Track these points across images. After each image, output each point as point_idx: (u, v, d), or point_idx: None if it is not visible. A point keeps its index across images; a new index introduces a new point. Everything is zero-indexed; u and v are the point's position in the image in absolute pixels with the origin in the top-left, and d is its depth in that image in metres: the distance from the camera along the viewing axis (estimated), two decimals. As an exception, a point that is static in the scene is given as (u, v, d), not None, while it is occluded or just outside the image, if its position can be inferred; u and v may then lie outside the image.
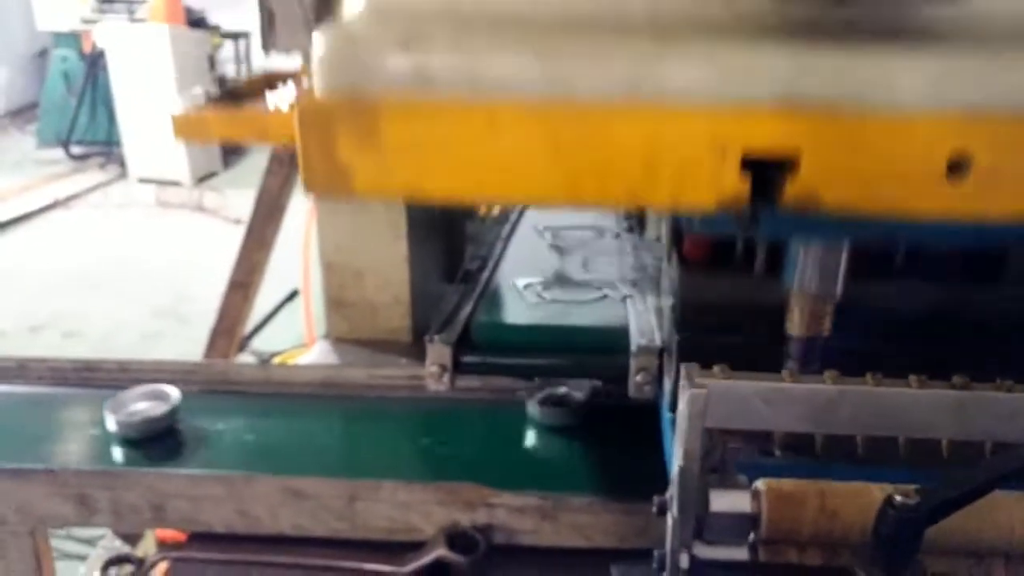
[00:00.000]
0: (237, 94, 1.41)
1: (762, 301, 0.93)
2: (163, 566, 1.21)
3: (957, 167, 0.67)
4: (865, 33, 0.69)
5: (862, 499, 0.71)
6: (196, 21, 9.10)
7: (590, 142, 0.70)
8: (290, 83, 1.43)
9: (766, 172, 0.69)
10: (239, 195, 6.92)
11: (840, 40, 0.69)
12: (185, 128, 1.18)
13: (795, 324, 0.88)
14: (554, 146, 0.70)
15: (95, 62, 8.31)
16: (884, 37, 0.69)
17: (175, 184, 7.88)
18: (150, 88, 7.76)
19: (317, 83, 0.72)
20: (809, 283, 0.86)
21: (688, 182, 0.70)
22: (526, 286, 1.46)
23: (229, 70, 11.46)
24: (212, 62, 8.74)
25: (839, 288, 0.87)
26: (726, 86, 0.68)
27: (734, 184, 0.69)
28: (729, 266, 0.99)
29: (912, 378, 0.73)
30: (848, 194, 0.69)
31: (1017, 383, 0.73)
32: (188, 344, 4.32)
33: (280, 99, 1.43)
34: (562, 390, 1.38)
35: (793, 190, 0.68)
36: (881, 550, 0.63)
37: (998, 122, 0.67)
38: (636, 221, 2.10)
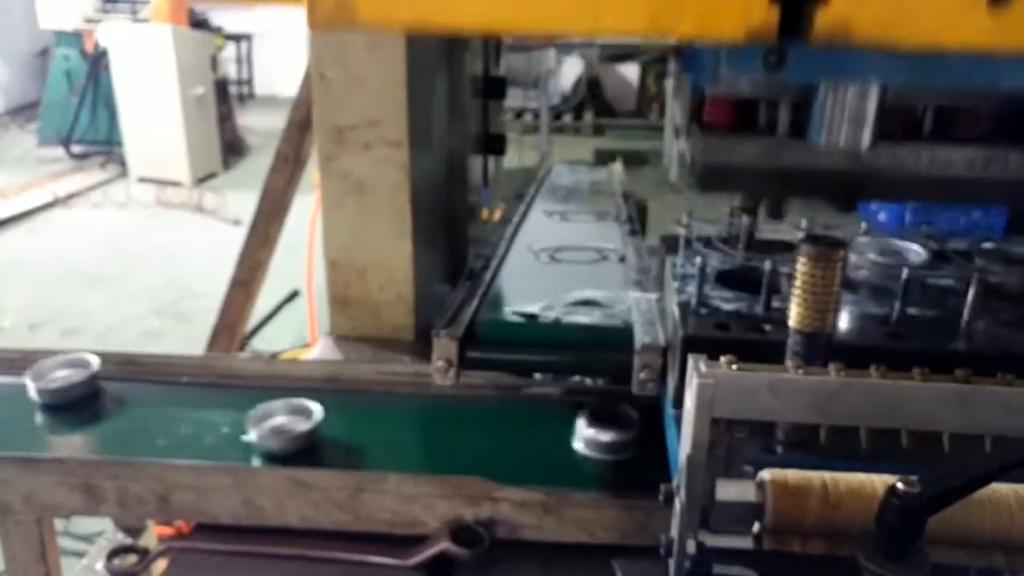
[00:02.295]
0: None
1: (786, 164, 0.90)
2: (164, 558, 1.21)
3: None
4: None
5: (865, 490, 0.73)
6: (199, 22, 9.13)
7: None
8: None
9: (795, 6, 0.67)
10: (239, 196, 6.94)
11: None
12: None
13: (796, 317, 0.89)
14: None
15: (97, 61, 8.33)
16: None
17: (175, 184, 7.89)
18: (152, 88, 7.78)
19: None
20: (836, 134, 0.83)
21: (715, 10, 0.67)
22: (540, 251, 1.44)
23: (231, 71, 11.51)
24: (214, 63, 8.76)
25: (867, 140, 0.83)
26: None
27: (763, 13, 0.66)
28: (751, 130, 0.94)
29: (916, 371, 0.75)
30: (881, 25, 0.66)
31: (1019, 377, 0.74)
32: (188, 342, 4.33)
33: None
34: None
35: (824, 21, 0.66)
36: (884, 538, 0.64)
37: None
38: (639, 224, 2.13)
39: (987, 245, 1.29)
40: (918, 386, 0.73)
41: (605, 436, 1.26)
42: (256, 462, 1.24)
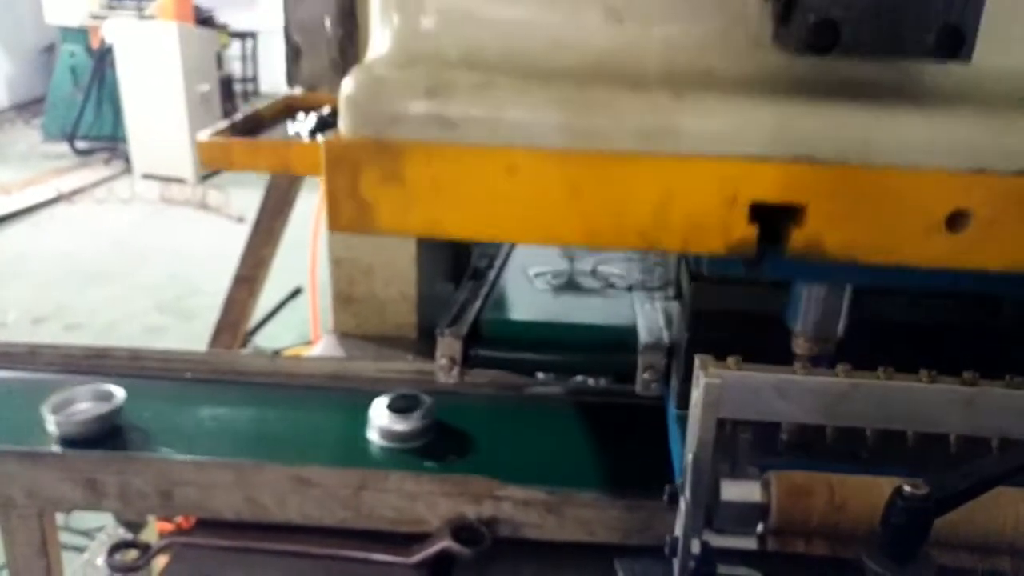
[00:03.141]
0: (258, 121, 1.43)
1: (772, 311, 0.95)
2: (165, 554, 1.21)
3: (956, 221, 0.71)
4: (872, 92, 0.73)
5: (871, 492, 0.72)
6: (204, 19, 9.14)
7: (606, 189, 0.74)
8: (311, 114, 1.45)
9: (774, 219, 0.73)
10: (242, 194, 6.93)
11: (848, 98, 0.72)
12: (210, 156, 1.20)
13: (800, 347, 0.90)
14: (571, 192, 0.74)
15: (103, 58, 8.34)
16: (890, 96, 0.73)
17: (179, 181, 7.90)
18: (157, 85, 7.79)
19: (343, 124, 0.76)
20: (810, 324, 0.89)
21: (699, 229, 0.74)
22: (537, 275, 1.48)
23: (236, 69, 11.52)
24: (220, 60, 8.78)
25: (840, 330, 0.89)
26: (737, 139, 0.72)
27: (742, 231, 0.73)
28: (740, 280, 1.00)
29: (923, 372, 0.74)
30: (851, 243, 0.72)
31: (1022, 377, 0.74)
32: (190, 339, 4.33)
33: (301, 128, 1.45)
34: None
35: (799, 237, 0.72)
36: (890, 540, 0.64)
37: (997, 180, 0.71)
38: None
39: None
40: (924, 387, 0.73)
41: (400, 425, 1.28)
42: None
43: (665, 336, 1.22)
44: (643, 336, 1.23)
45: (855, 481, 0.74)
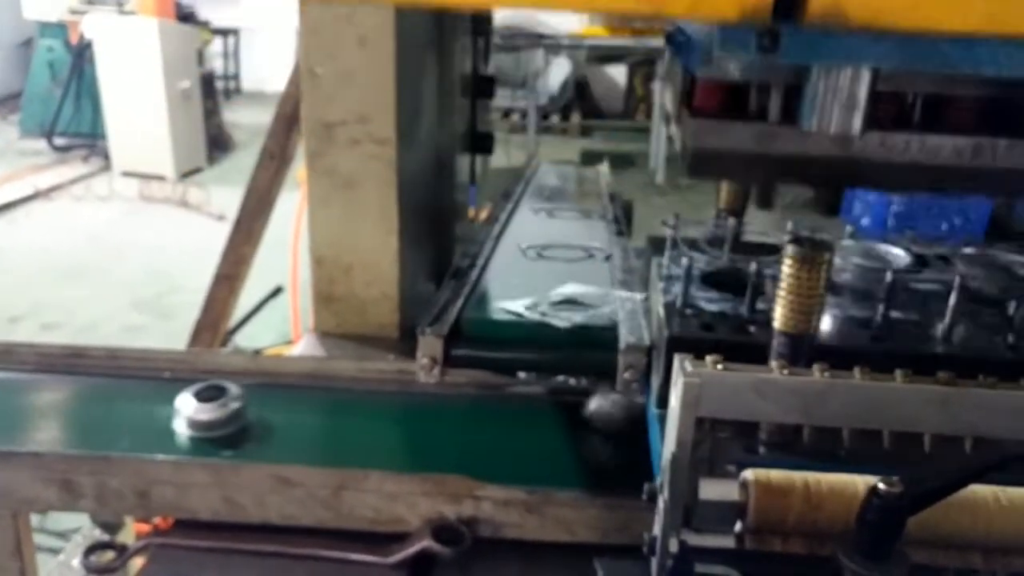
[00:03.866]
0: None
1: (776, 150, 0.90)
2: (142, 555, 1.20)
3: None
4: None
5: (847, 491, 0.73)
6: (185, 16, 9.07)
7: None
8: None
9: None
10: (223, 192, 6.89)
11: None
12: None
13: (781, 318, 0.90)
14: None
15: (81, 53, 8.25)
16: None
17: (159, 178, 7.84)
18: (137, 81, 7.72)
19: None
20: (828, 118, 0.83)
21: None
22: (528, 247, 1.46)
23: (218, 66, 11.44)
24: (201, 57, 8.71)
25: (858, 125, 0.83)
26: None
27: None
28: (741, 115, 0.93)
29: (899, 372, 0.75)
30: (875, 8, 0.66)
31: (1000, 380, 0.75)
32: (169, 338, 4.29)
33: None
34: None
35: (818, 3, 0.66)
36: (865, 537, 0.65)
37: None
38: (625, 224, 2.13)
39: (968, 250, 1.30)
40: (901, 387, 0.74)
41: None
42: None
43: (646, 336, 1.23)
44: (624, 336, 1.24)
45: (832, 480, 0.74)
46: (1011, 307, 1.07)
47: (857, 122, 0.83)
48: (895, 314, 1.10)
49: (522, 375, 1.49)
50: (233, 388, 1.30)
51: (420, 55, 1.91)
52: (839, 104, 0.83)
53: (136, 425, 1.31)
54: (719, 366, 0.73)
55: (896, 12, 0.66)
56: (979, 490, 0.72)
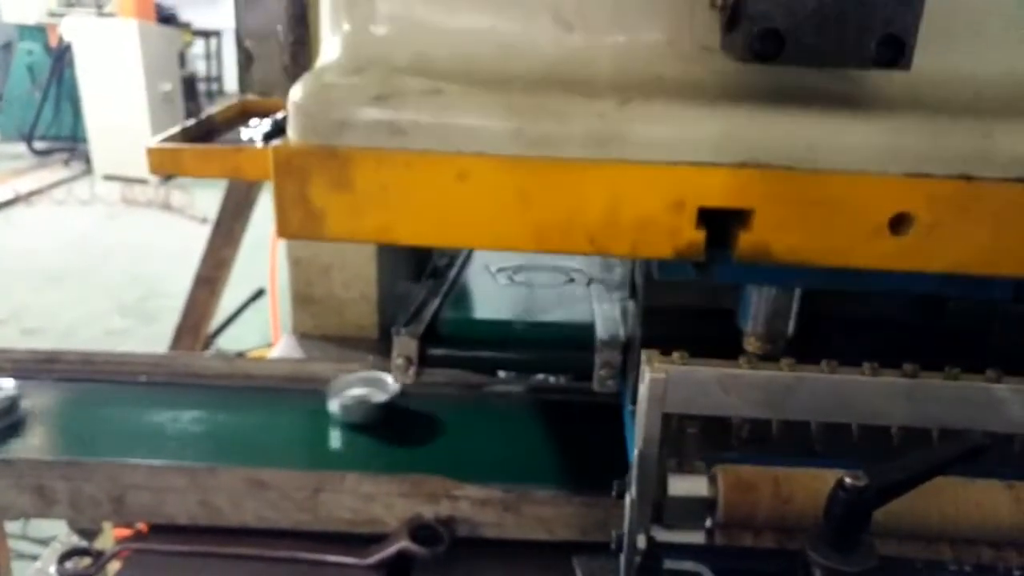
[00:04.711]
0: (212, 126, 1.42)
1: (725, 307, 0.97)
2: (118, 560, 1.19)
3: (899, 224, 0.73)
4: (817, 99, 0.75)
5: (816, 484, 0.73)
6: (166, 17, 9.02)
7: (555, 195, 0.75)
8: (266, 118, 1.45)
9: (722, 223, 0.74)
10: (206, 194, 6.84)
11: (794, 104, 0.74)
12: (160, 162, 1.19)
13: (752, 345, 0.91)
14: (521, 198, 0.75)
15: (61, 56, 8.19)
16: (835, 103, 0.75)
17: (141, 182, 7.78)
18: (118, 84, 7.66)
19: (292, 130, 0.76)
20: (761, 325, 0.91)
21: (647, 233, 0.75)
22: (499, 270, 1.49)
23: (200, 67, 11.38)
24: (182, 59, 8.66)
25: (790, 329, 0.91)
26: (684, 146, 0.73)
27: (690, 235, 0.74)
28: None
29: (865, 365, 0.76)
30: (798, 246, 0.74)
31: (964, 371, 0.75)
32: (153, 342, 4.26)
33: (254, 134, 1.44)
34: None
35: (747, 241, 0.73)
36: (832, 530, 0.65)
37: (938, 184, 0.73)
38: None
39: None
40: (866, 380, 0.74)
41: None
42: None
43: (621, 333, 1.23)
44: (600, 333, 1.24)
45: (800, 474, 0.75)
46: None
47: (788, 329, 0.92)
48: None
49: (502, 374, 1.49)
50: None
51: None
52: (770, 315, 0.92)
53: (112, 429, 1.30)
54: (685, 361, 0.74)
55: (816, 252, 0.74)
56: (946, 481, 0.73)
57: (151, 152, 1.20)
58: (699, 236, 0.74)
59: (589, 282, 1.64)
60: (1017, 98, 0.78)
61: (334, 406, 1.33)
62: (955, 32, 0.78)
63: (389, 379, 1.36)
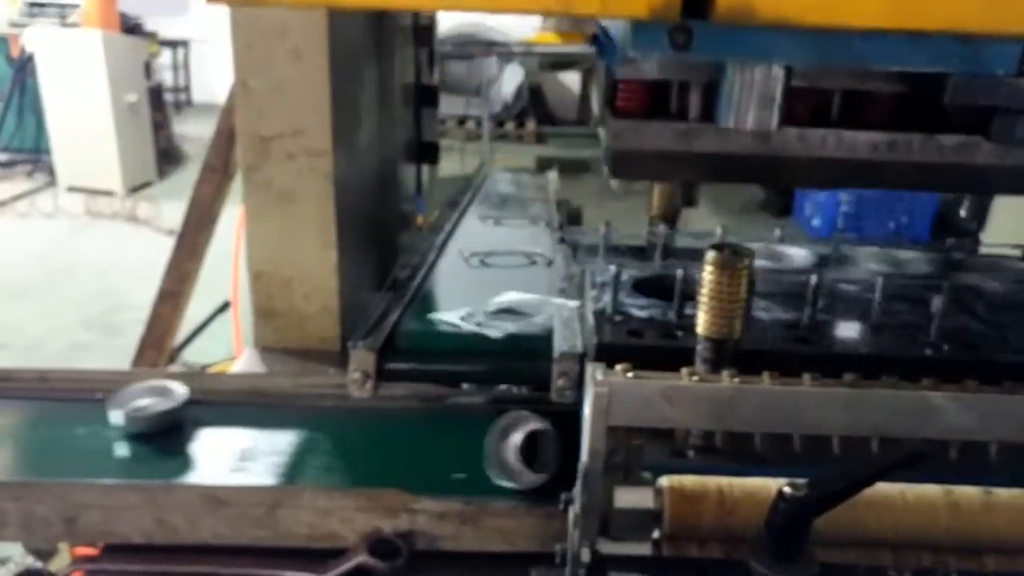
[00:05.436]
0: None
1: (697, 149, 0.91)
2: (76, 580, 1.17)
3: None
4: None
5: (760, 494, 0.74)
6: (131, 27, 8.92)
7: None
8: None
9: None
10: (174, 206, 6.75)
11: None
12: None
13: (704, 324, 0.91)
14: None
15: (23, 67, 8.06)
16: None
17: (107, 193, 7.68)
18: (82, 95, 7.56)
19: None
20: (745, 115, 0.84)
21: None
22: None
23: (167, 78, 11.27)
24: (149, 70, 8.56)
25: (775, 120, 0.84)
26: None
27: None
28: (662, 114, 0.93)
29: (806, 376, 0.77)
30: (783, 4, 0.68)
31: (902, 380, 0.77)
32: (119, 355, 4.20)
33: None
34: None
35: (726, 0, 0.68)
36: (773, 540, 0.66)
37: None
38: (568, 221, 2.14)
39: (871, 249, 1.33)
40: (808, 391, 0.75)
41: None
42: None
43: (579, 344, 1.24)
44: (558, 344, 1.25)
45: (745, 484, 0.76)
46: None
47: (774, 118, 0.85)
48: (821, 316, 1.13)
49: (465, 386, 1.49)
50: None
51: (357, 66, 1.90)
52: (755, 101, 0.85)
53: (65, 449, 1.28)
54: (629, 374, 0.74)
55: (802, 8, 0.68)
56: (886, 489, 0.74)
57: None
58: None
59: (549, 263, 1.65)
60: None
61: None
62: None
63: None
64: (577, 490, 0.73)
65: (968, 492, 0.76)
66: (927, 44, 0.75)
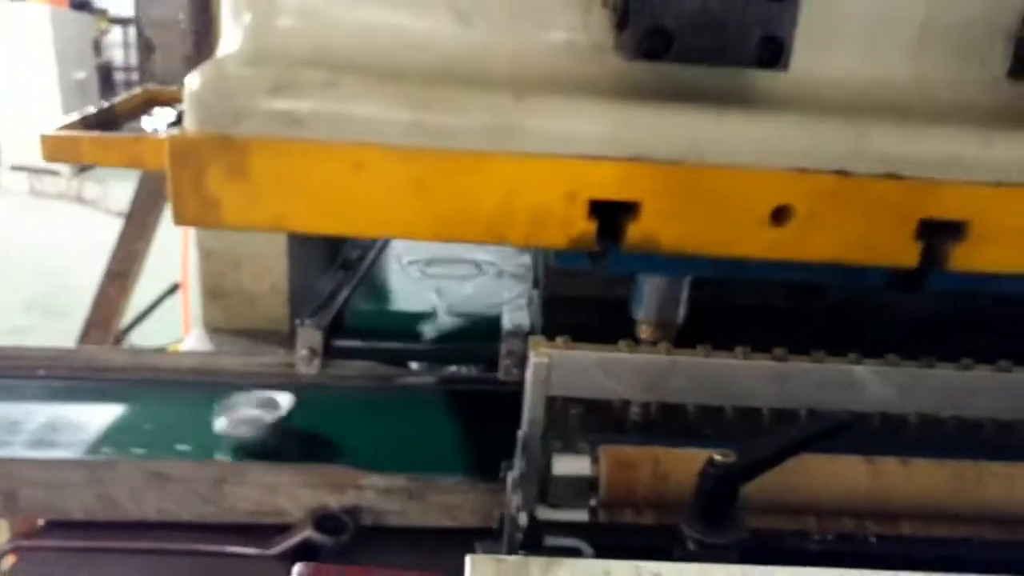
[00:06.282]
0: (114, 115, 1.39)
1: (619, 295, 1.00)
2: (12, 557, 1.16)
3: (780, 216, 0.77)
4: (702, 96, 0.79)
5: (693, 463, 0.76)
6: (80, 4, 8.68)
7: (453, 186, 0.77)
8: (170, 109, 1.43)
9: (613, 216, 0.77)
10: (123, 186, 6.62)
11: (680, 101, 0.78)
12: (55, 151, 1.15)
13: (644, 332, 0.95)
14: (418, 188, 0.77)
15: (-34, 41, 7.80)
16: (719, 100, 0.79)
17: (52, 173, 7.48)
18: (27, 71, 7.35)
19: (189, 119, 0.77)
20: (652, 313, 0.95)
21: (542, 224, 0.77)
22: (410, 262, 1.49)
23: (117, 56, 10.99)
24: (98, 47, 8.36)
25: (680, 316, 0.95)
26: (576, 139, 0.77)
27: (583, 226, 0.77)
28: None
29: (738, 349, 0.80)
30: (684, 237, 0.77)
31: (828, 354, 0.80)
32: (60, 339, 4.09)
33: (158, 123, 1.42)
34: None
35: (635, 232, 0.77)
36: (703, 506, 0.68)
37: (816, 178, 0.77)
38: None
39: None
40: (739, 364, 0.78)
41: None
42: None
43: (526, 322, 1.26)
44: (505, 323, 1.27)
45: (678, 454, 0.78)
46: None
47: (679, 315, 0.97)
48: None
49: (414, 366, 1.50)
50: None
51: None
52: (661, 303, 0.97)
53: (6, 425, 1.26)
54: (568, 346, 0.76)
55: (700, 243, 0.78)
56: (810, 458, 0.77)
57: (45, 140, 1.17)
58: (591, 227, 0.77)
59: (500, 274, 1.67)
60: (889, 101, 0.83)
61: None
62: (832, 36, 0.82)
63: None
64: (516, 458, 0.75)
65: (888, 461, 0.80)
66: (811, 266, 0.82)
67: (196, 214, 0.78)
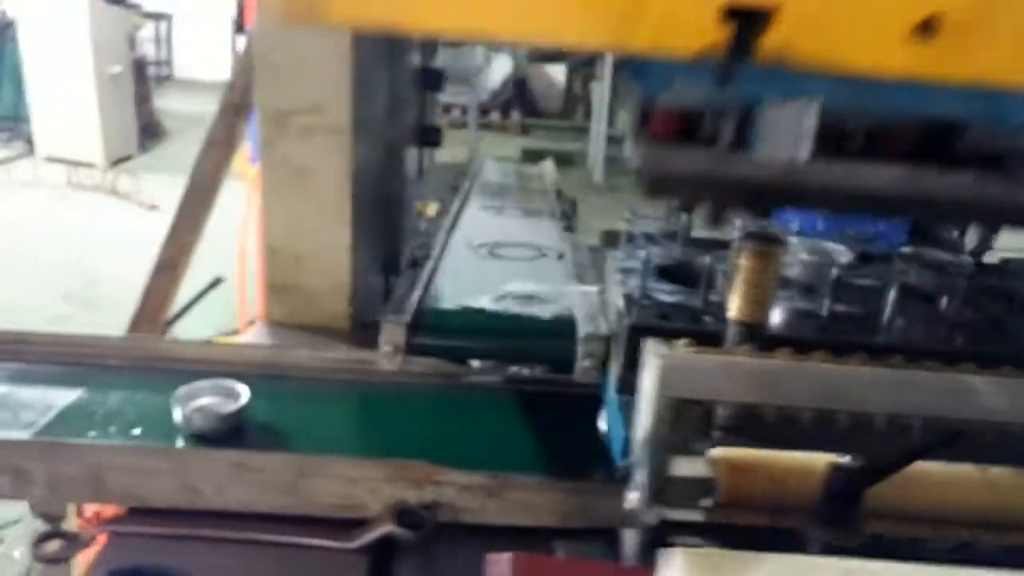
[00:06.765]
0: None
1: (727, 175, 0.92)
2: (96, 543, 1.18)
3: (927, 27, 0.70)
4: None
5: (806, 468, 0.77)
6: (115, -1, 8.76)
7: None
8: None
9: (745, 27, 0.71)
10: (155, 180, 6.71)
11: None
12: None
13: (736, 308, 0.94)
14: None
15: (3, 32, 7.89)
16: None
17: (88, 165, 7.56)
18: (64, 63, 7.42)
19: None
20: (778, 146, 0.87)
21: (671, 25, 0.71)
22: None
23: (149, 51, 11.10)
24: (132, 42, 8.43)
25: (806, 151, 0.87)
26: None
27: (714, 32, 0.71)
28: (694, 140, 0.93)
29: (856, 357, 0.80)
30: (821, 49, 0.71)
31: (947, 364, 0.80)
32: (96, 329, 4.15)
33: None
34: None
35: (770, 43, 0.71)
36: (827, 508, 0.69)
37: None
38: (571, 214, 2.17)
39: (904, 250, 1.37)
40: (858, 371, 0.79)
41: None
42: (180, 443, 1.22)
43: (603, 326, 1.26)
44: (582, 326, 1.27)
45: (791, 458, 0.79)
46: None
47: (804, 151, 0.88)
48: (840, 307, 1.16)
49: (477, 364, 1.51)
50: None
51: (374, 45, 1.90)
52: (788, 134, 0.88)
53: (87, 411, 1.28)
54: (687, 350, 0.77)
55: (839, 54, 0.71)
56: (927, 467, 0.78)
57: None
58: (723, 33, 0.71)
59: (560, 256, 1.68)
60: None
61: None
62: None
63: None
64: (640, 458, 0.76)
65: (1003, 472, 0.80)
66: (949, 94, 0.78)
67: (302, 10, 0.70)
